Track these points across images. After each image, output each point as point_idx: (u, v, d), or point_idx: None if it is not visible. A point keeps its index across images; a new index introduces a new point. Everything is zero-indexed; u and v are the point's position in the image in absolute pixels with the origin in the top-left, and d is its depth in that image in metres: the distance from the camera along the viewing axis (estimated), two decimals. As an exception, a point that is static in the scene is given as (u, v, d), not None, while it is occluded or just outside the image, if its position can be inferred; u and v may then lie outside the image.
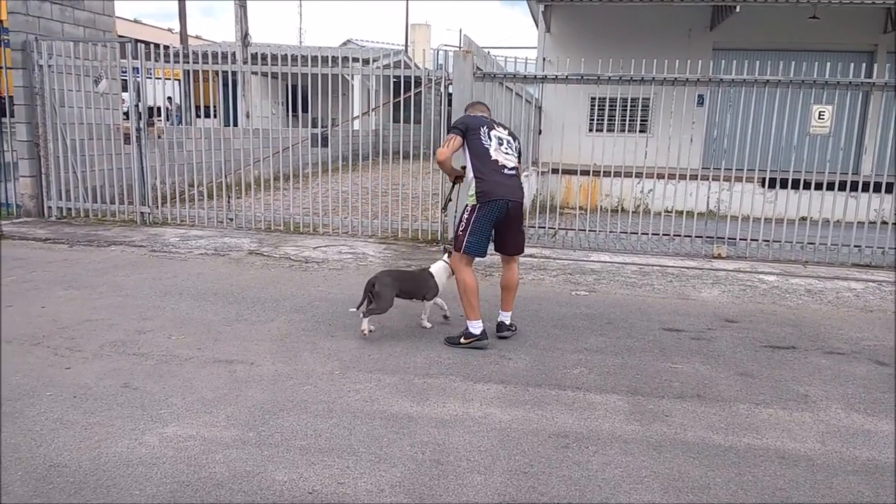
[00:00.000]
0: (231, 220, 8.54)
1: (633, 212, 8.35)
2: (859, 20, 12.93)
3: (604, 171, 7.83)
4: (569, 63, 8.07)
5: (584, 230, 8.16)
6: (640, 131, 10.31)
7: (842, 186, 7.45)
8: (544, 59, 14.39)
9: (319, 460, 2.93)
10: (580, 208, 9.23)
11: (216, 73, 8.76)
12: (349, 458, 2.96)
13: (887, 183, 7.34)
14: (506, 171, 4.38)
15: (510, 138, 4.54)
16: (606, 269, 6.87)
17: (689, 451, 3.12)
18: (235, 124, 12.77)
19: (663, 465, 3.00)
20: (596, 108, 13.02)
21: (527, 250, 4.48)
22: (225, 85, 13.63)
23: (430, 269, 4.77)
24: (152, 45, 8.61)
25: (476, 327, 4.38)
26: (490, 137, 4.40)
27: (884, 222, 7.59)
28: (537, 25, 14.96)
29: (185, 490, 2.67)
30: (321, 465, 2.89)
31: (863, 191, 7.46)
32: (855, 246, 7.39)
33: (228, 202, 8.79)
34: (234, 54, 11.75)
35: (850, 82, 7.08)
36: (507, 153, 4.44)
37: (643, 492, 2.77)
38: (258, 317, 4.92)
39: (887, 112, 7.59)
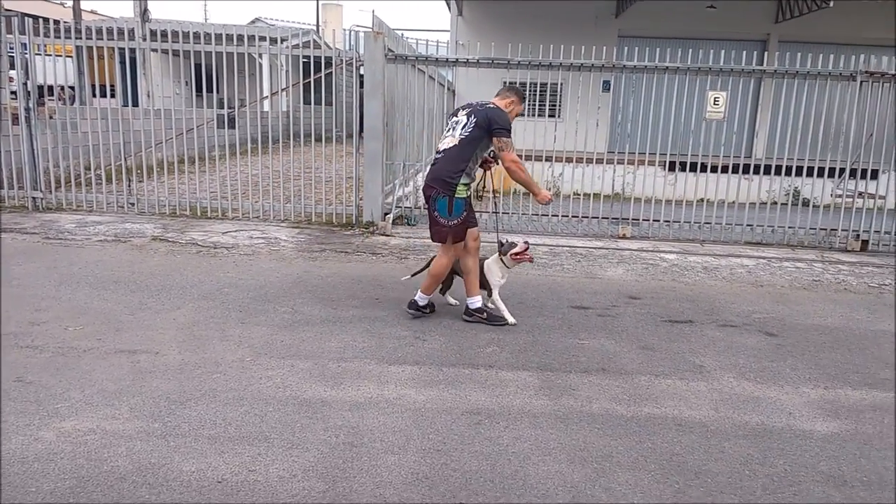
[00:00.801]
0: (132, 204, 8.14)
1: (544, 194, 8.55)
2: (753, 10, 13.68)
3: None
4: (480, 47, 8.15)
5: (498, 213, 8.28)
6: (550, 116, 10.55)
7: (736, 169, 7.90)
8: (457, 42, 14.44)
9: (229, 449, 2.87)
10: (494, 191, 9.35)
11: (113, 50, 8.29)
12: (260, 445, 2.92)
13: (777, 165, 7.82)
14: (437, 155, 4.40)
15: (466, 116, 4.32)
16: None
17: (594, 423, 3.26)
18: (136, 104, 12.15)
19: (570, 436, 3.12)
20: (508, 92, 13.20)
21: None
22: (123, 63, 12.92)
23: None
24: (42, 20, 8.04)
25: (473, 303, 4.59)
26: (448, 125, 4.43)
27: (774, 202, 8.11)
28: (450, 9, 14.97)
29: (85, 485, 2.56)
30: (231, 454, 2.83)
31: (755, 173, 7.94)
32: (748, 225, 7.88)
33: (129, 186, 8.37)
34: (132, 30, 11.14)
35: (742, 69, 7.49)
36: (448, 136, 4.38)
37: (551, 462, 2.88)
38: (163, 305, 4.74)
39: (777, 98, 8.08)
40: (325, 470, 2.75)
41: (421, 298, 4.64)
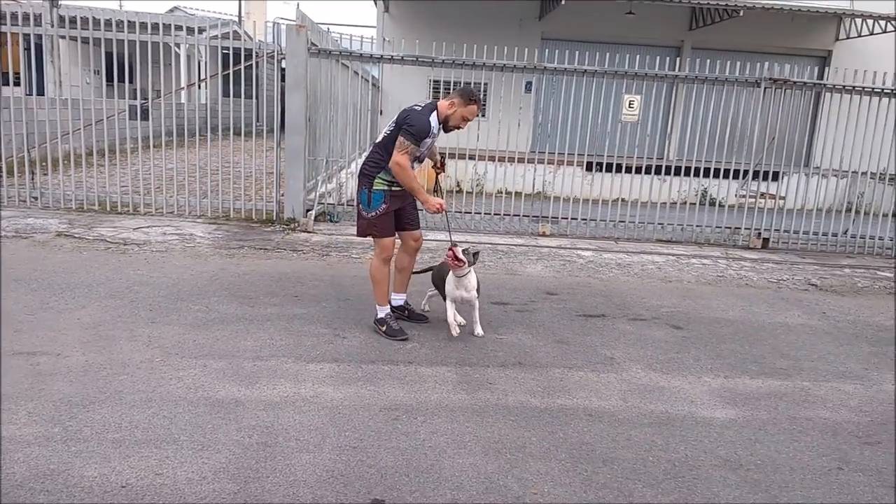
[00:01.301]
0: (36, 198, 7.71)
1: (468, 192, 8.64)
2: (669, 18, 14.23)
3: (440, 153, 8.00)
4: (405, 44, 8.14)
5: (422, 210, 8.31)
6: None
7: (649, 170, 8.21)
8: (384, 39, 14.37)
9: (135, 452, 2.78)
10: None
11: (18, 36, 7.82)
12: (169, 447, 2.84)
13: (688, 167, 8.18)
14: None
15: (397, 115, 4.32)
16: (442, 247, 7.05)
17: (510, 415, 3.34)
18: (42, 93, 11.50)
19: (485, 429, 3.18)
20: (432, 90, 13.25)
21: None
22: (29, 49, 12.20)
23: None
24: (-68, -1, 7.50)
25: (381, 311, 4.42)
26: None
27: (684, 202, 8.49)
28: (376, 5, 14.89)
29: (-26, 495, 2.42)
30: (137, 458, 2.74)
31: (667, 174, 8.28)
32: (659, 223, 8.21)
33: (32, 179, 7.91)
34: (40, 16, 10.53)
35: (656, 74, 7.80)
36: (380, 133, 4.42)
37: (466, 455, 2.93)
38: (67, 304, 4.52)
39: (689, 102, 8.45)
40: (237, 471, 2.70)
41: (395, 300, 4.61)
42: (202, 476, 2.65)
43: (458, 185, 10.47)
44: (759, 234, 8.09)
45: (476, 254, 4.33)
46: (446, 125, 4.26)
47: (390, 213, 4.32)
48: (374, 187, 4.26)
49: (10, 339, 3.85)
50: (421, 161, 4.40)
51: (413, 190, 4.22)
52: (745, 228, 8.13)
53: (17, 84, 12.47)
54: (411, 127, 4.07)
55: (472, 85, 8.96)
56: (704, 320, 5.15)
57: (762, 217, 8.11)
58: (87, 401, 3.19)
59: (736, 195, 8.25)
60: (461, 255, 4.15)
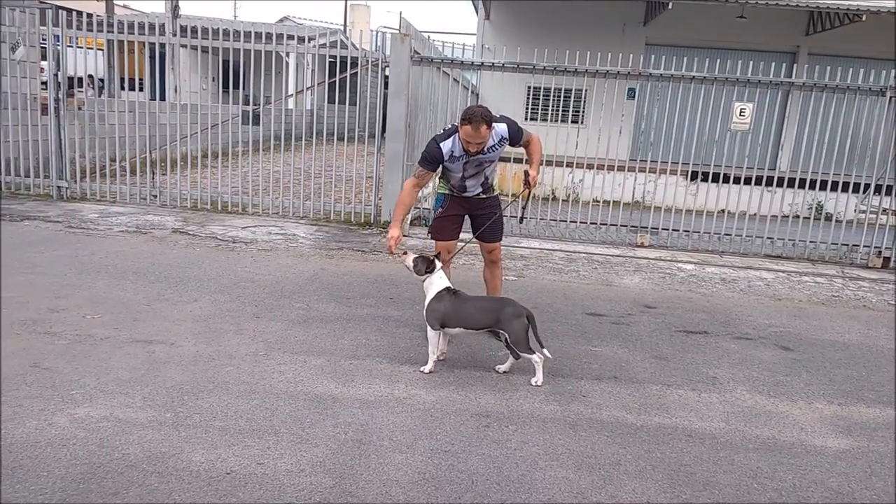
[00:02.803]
0: (155, 197, 8.26)
1: (563, 200, 8.53)
2: (784, 22, 13.51)
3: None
4: (505, 51, 8.15)
5: (516, 217, 8.28)
6: (573, 122, 10.51)
7: (759, 181, 7.81)
8: (483, 46, 14.45)
9: (239, 441, 2.90)
10: (513, 195, 9.35)
11: (143, 44, 8.42)
12: (270, 438, 2.95)
13: (801, 179, 7.73)
14: None
15: None
16: (535, 255, 7.01)
17: (604, 430, 3.25)
18: (163, 98, 12.31)
19: (578, 442, 3.11)
20: (531, 97, 13.19)
21: (462, 235, 4.48)
22: (153, 57, 13.11)
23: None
24: (74, 13, 8.20)
25: None
26: None
27: (796, 216, 8.01)
28: (477, 13, 14.99)
29: (96, 472, 2.60)
30: (241, 446, 2.86)
31: (778, 186, 7.85)
32: (768, 238, 7.78)
33: (153, 178, 8.49)
34: (163, 26, 11.30)
35: (770, 81, 7.41)
36: None
37: (557, 468, 2.87)
38: (180, 297, 4.80)
39: (804, 111, 7.98)
40: (333, 466, 2.77)
41: None
42: (300, 468, 2.73)
43: (553, 193, 10.37)
44: (880, 252, 7.52)
45: (429, 264, 3.84)
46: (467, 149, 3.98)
47: (451, 217, 4.29)
48: (438, 190, 4.38)
49: (129, 328, 4.14)
50: (469, 179, 4.18)
51: (394, 214, 4.10)
52: (865, 246, 7.58)
53: (140, 89, 13.42)
54: (423, 152, 4.09)
55: (573, 91, 8.87)
56: (817, 342, 4.83)
57: (883, 234, 7.53)
58: (197, 389, 3.37)
59: (855, 210, 7.71)
60: (409, 262, 3.86)
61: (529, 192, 4.29)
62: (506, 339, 3.73)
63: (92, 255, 5.74)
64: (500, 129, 4.02)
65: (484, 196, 4.30)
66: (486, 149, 3.99)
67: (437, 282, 3.81)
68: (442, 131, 4.14)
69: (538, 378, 3.73)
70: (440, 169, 4.19)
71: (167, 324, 4.25)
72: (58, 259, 5.56)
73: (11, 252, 5.65)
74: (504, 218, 4.60)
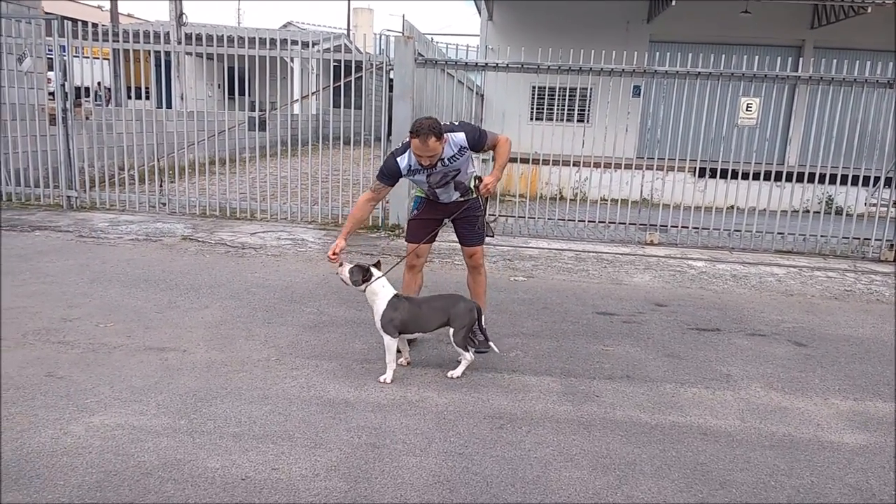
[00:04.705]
0: (164, 204, 8.29)
1: (571, 200, 8.51)
2: (788, 16, 13.45)
3: (543, 160, 7.96)
4: (509, 51, 8.14)
5: (524, 217, 8.30)
6: (579, 121, 10.49)
7: (767, 176, 7.78)
8: (486, 46, 14.44)
9: (253, 447, 2.91)
10: (521, 196, 9.36)
11: (149, 53, 8.46)
12: (284, 443, 2.95)
13: (810, 173, 7.69)
14: None
15: None
16: (544, 255, 7.00)
17: (618, 430, 3.24)
18: (169, 106, 12.37)
19: (592, 443, 3.10)
20: (536, 96, 13.17)
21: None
22: (158, 66, 13.17)
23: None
24: (80, 23, 8.25)
25: None
26: None
27: (806, 211, 7.96)
28: (480, 13, 14.98)
29: (112, 479, 2.61)
30: (255, 452, 2.87)
31: (787, 180, 7.81)
32: (778, 233, 7.74)
33: (161, 186, 8.53)
34: (168, 34, 11.35)
35: (776, 76, 7.38)
36: None
37: (573, 469, 2.86)
38: (192, 304, 4.82)
39: (812, 105, 7.93)
40: (348, 470, 2.77)
41: None
42: (315, 473, 2.73)
43: (561, 193, 10.35)
44: (892, 245, 7.46)
45: (365, 272, 3.71)
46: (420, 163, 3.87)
47: (425, 220, 4.18)
48: (416, 193, 4.28)
49: (142, 335, 4.15)
50: (438, 189, 4.06)
51: (346, 226, 4.06)
52: (876, 239, 7.53)
53: (147, 98, 13.49)
54: (381, 166, 4.01)
55: (578, 90, 8.85)
56: (831, 338, 4.80)
57: (894, 227, 7.48)
58: (210, 395, 3.38)
59: (865, 203, 7.66)
60: (344, 273, 3.73)
61: (487, 198, 4.16)
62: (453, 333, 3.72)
63: (103, 264, 5.77)
64: (457, 138, 3.86)
65: (462, 199, 4.14)
66: (446, 160, 3.86)
67: (382, 291, 3.71)
68: (400, 145, 4.00)
69: (457, 372, 3.76)
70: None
71: (179, 331, 4.26)
72: (69, 268, 5.59)
73: (23, 262, 5.69)
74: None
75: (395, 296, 3.74)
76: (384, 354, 3.68)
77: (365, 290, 3.73)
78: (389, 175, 3.96)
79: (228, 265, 5.97)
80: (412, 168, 3.89)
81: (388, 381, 3.65)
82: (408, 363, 3.90)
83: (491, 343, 3.86)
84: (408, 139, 3.82)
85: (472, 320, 3.72)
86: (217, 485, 2.62)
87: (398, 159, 3.91)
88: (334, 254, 3.79)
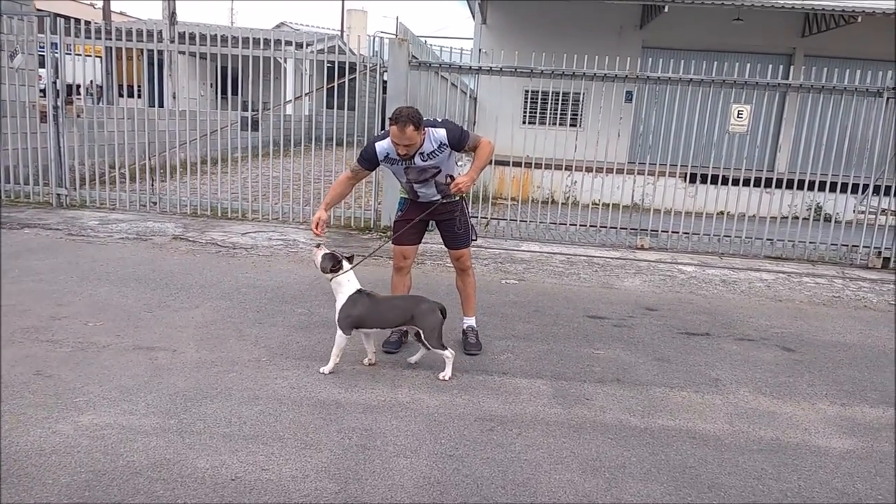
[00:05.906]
0: (155, 203, 8.25)
1: (562, 203, 8.54)
2: (780, 24, 13.56)
3: (535, 164, 7.98)
4: (503, 55, 8.17)
5: (516, 220, 8.31)
6: (571, 125, 10.53)
7: (757, 182, 7.83)
8: (480, 50, 14.48)
9: (243, 447, 2.90)
10: (512, 199, 9.37)
11: (141, 51, 8.43)
12: (274, 444, 2.94)
13: (800, 180, 7.75)
14: None
15: None
16: (536, 258, 7.02)
17: (608, 433, 3.25)
18: (161, 105, 12.32)
19: (582, 446, 3.11)
20: (529, 100, 13.22)
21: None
22: (150, 64, 13.12)
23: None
24: (72, 20, 8.21)
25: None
26: None
27: (795, 217, 8.03)
28: (474, 17, 15.02)
29: (100, 479, 2.60)
30: (245, 452, 2.86)
31: (777, 187, 7.87)
32: (768, 239, 7.79)
33: (152, 185, 8.49)
34: (160, 32, 11.31)
35: (767, 83, 7.44)
36: None
37: (562, 471, 2.87)
38: (182, 303, 4.80)
39: (802, 112, 8.00)
40: (338, 471, 2.77)
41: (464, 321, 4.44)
42: (305, 474, 2.73)
43: (552, 197, 10.39)
44: (880, 252, 7.54)
45: (336, 262, 3.73)
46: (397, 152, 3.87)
47: (410, 221, 4.19)
48: (400, 194, 4.31)
49: (131, 335, 4.13)
50: (417, 184, 4.07)
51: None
52: (864, 246, 7.60)
53: (138, 96, 13.43)
54: (361, 149, 4.04)
55: (570, 95, 8.88)
56: (819, 343, 4.84)
57: (883, 235, 7.55)
58: (200, 395, 3.36)
59: (854, 211, 7.73)
60: (317, 257, 3.76)
61: (461, 197, 4.11)
62: (418, 334, 3.76)
63: (93, 263, 5.74)
64: (438, 134, 3.85)
65: (444, 201, 4.10)
66: (425, 154, 3.85)
67: (347, 284, 3.73)
68: (384, 131, 4.01)
69: (447, 373, 3.77)
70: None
71: (169, 330, 4.25)
72: (59, 267, 5.55)
73: (13, 260, 5.64)
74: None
75: (358, 291, 3.76)
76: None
77: (331, 280, 3.76)
78: (367, 158, 3.99)
79: (219, 265, 5.95)
80: (389, 156, 3.90)
81: (327, 372, 3.73)
82: (370, 364, 3.90)
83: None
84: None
85: (438, 320, 3.74)
86: (207, 485, 2.61)
87: (377, 144, 3.95)
88: (317, 226, 3.89)
